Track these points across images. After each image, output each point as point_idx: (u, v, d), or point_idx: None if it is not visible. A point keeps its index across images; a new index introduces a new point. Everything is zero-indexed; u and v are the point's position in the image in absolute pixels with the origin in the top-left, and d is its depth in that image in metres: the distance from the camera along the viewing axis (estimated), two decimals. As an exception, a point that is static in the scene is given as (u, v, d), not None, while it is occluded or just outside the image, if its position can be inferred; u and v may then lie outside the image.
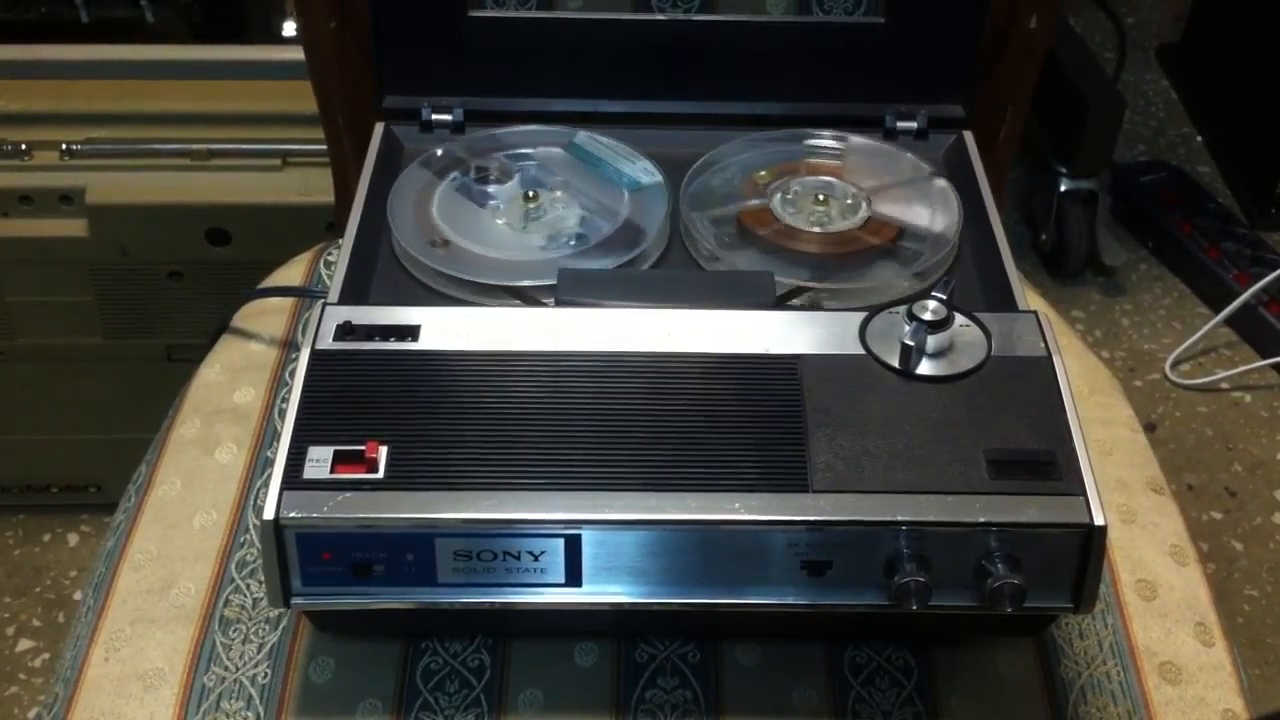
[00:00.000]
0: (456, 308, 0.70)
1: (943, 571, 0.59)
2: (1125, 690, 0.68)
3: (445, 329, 0.66)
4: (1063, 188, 1.65)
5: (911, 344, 0.64)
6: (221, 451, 0.79)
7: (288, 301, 0.90)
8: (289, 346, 0.86)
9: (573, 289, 0.70)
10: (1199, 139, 1.94)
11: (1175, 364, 1.61)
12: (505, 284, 0.73)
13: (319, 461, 0.60)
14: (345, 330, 0.66)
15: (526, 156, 0.82)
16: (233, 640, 0.69)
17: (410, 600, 0.61)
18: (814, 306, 0.72)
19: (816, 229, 0.77)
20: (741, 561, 0.60)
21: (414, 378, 0.64)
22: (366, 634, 0.69)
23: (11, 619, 1.32)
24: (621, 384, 0.63)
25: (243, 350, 0.86)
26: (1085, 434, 0.61)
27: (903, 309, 0.65)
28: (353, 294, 0.72)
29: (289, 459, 0.60)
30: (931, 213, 0.78)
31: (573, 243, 0.76)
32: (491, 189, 0.79)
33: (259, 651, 0.69)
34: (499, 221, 0.78)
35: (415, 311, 0.67)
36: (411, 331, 0.66)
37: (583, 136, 0.83)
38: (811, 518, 0.58)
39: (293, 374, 0.70)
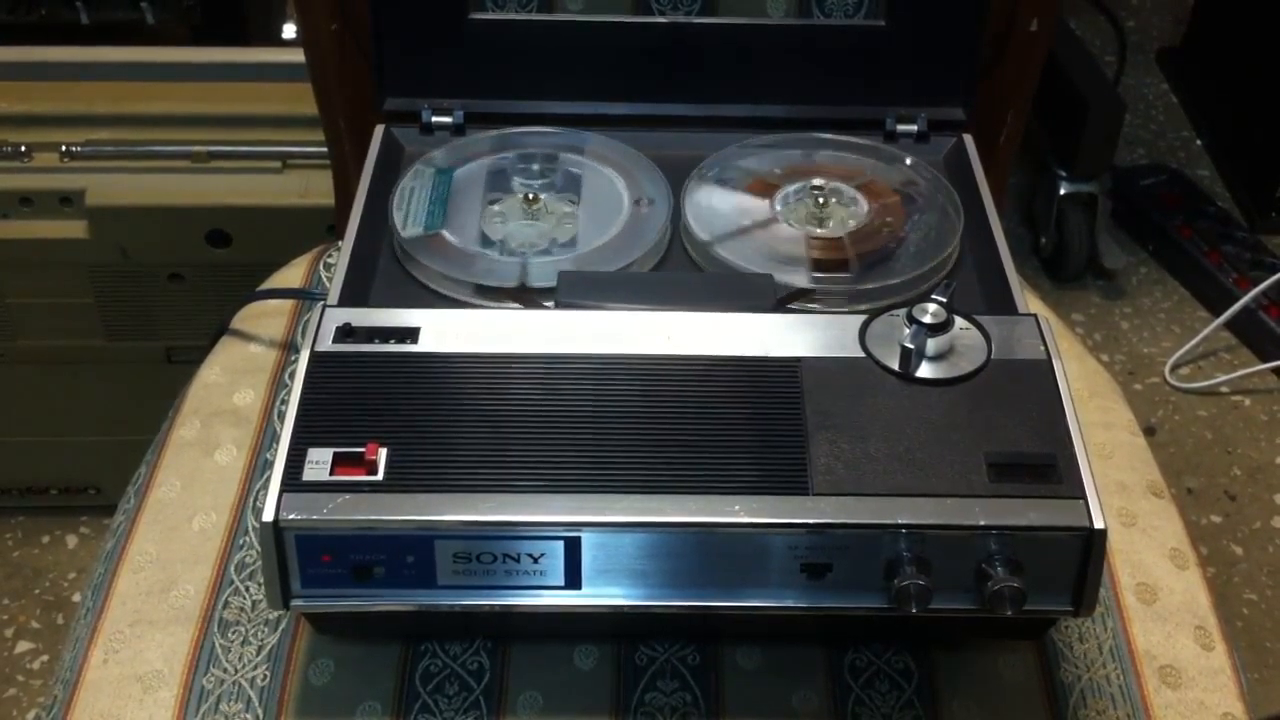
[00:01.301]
0: (456, 310, 0.70)
1: (943, 574, 0.59)
2: (1125, 694, 0.68)
3: (445, 331, 0.66)
4: (1063, 191, 1.65)
5: (911, 347, 0.64)
6: (221, 453, 0.79)
7: (287, 303, 0.90)
8: (289, 348, 0.86)
9: (573, 291, 0.70)
10: (1199, 142, 1.94)
11: (1175, 367, 1.61)
12: (505, 286, 0.73)
13: (318, 463, 0.60)
14: (345, 332, 0.66)
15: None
16: (232, 642, 0.69)
17: (410, 602, 0.61)
18: (814, 309, 0.72)
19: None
20: (741, 564, 0.60)
21: (414, 380, 0.64)
22: (366, 636, 0.69)
23: (10, 621, 1.32)
24: (621, 386, 0.63)
25: (242, 352, 0.86)
26: (1085, 437, 0.61)
27: (903, 312, 0.65)
28: (352, 296, 0.72)
29: (288, 461, 0.60)
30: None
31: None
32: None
33: (258, 653, 0.69)
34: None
35: (415, 313, 0.67)
36: (411, 334, 0.66)
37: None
38: (812, 520, 0.58)
39: (292, 376, 0.70)
